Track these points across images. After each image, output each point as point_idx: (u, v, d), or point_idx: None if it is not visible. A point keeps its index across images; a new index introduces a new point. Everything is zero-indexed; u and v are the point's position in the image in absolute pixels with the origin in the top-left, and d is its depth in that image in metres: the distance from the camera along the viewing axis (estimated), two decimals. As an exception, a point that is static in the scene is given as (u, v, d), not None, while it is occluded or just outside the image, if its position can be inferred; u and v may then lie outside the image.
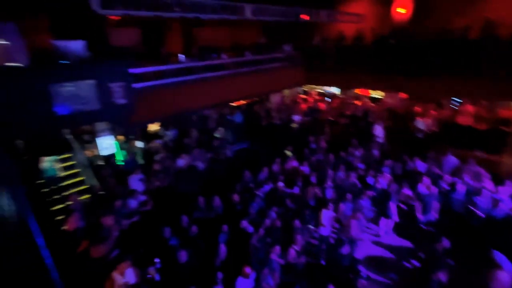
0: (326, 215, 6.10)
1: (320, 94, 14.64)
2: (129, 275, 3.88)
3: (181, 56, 8.40)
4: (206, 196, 6.54)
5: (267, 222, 5.77)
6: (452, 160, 7.80)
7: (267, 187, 7.23)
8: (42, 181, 6.56)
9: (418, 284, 5.19)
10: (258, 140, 10.38)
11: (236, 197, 6.60)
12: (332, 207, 6.23)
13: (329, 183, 7.20)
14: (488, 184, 6.72)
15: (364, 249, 6.26)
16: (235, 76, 9.50)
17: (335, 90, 14.63)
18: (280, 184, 7.16)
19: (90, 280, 4.24)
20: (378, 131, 9.65)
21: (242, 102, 12.98)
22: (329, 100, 13.47)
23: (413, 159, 7.90)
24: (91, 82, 5.34)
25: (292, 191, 7.13)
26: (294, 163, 8.43)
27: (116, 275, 3.78)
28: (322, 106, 12.59)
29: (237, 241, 5.53)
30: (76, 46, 5.15)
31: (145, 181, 6.80)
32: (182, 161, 7.73)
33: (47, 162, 6.66)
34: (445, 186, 6.89)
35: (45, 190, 6.43)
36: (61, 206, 6.09)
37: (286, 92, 14.72)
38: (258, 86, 10.64)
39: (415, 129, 9.55)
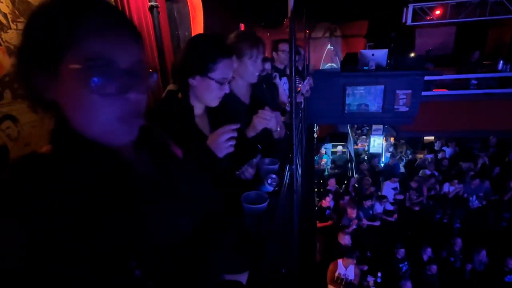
0: None
1: None
2: (350, 271, 4.16)
3: (501, 62, 6.56)
4: (467, 242, 5.18)
5: None
6: None
7: None
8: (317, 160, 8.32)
9: None
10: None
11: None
12: None
13: None
14: None
15: None
16: None
17: None
18: None
19: (322, 254, 5.02)
20: None
21: None
22: None
23: None
24: (380, 87, 5.73)
25: None
26: None
27: (340, 263, 4.21)
28: None
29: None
30: (379, 54, 5.65)
31: (399, 192, 6.54)
32: (450, 188, 6.49)
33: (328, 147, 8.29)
34: None
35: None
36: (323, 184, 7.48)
37: None
38: None
39: None
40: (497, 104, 6.28)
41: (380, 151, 8.16)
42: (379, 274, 4.48)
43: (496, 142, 8.41)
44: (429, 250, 5.10)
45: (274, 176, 1.11)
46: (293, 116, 1.52)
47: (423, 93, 6.07)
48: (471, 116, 6.36)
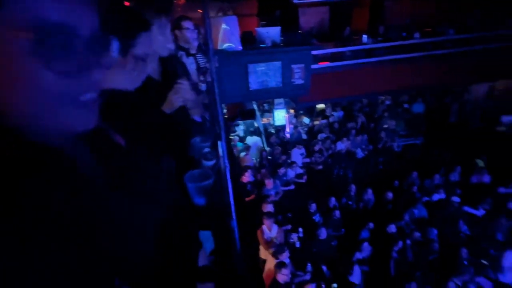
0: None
1: None
2: (274, 231, 4.61)
3: (364, 37, 7.96)
4: (359, 186, 6.38)
5: (420, 236, 4.99)
6: None
7: (437, 196, 6.09)
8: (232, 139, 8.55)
9: None
10: (439, 138, 8.61)
11: (390, 195, 6.02)
12: None
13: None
14: None
15: None
16: (428, 60, 7.88)
17: None
18: (455, 199, 5.83)
19: (250, 226, 5.34)
20: None
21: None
22: None
23: None
24: (278, 63, 6.18)
25: (474, 212, 5.67)
26: (485, 178, 6.53)
27: (264, 228, 4.59)
28: None
29: (379, 242, 5.16)
30: (273, 32, 6.03)
31: (305, 156, 7.41)
32: (341, 145, 7.75)
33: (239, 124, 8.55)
34: None
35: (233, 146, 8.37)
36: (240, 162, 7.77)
37: (502, 82, 10.98)
38: (462, 73, 8.29)
39: None
40: (366, 71, 7.67)
41: (284, 123, 8.94)
42: (300, 230, 5.09)
43: (368, 102, 10.41)
44: (332, 199, 6.07)
45: (209, 150, 1.10)
46: (216, 92, 1.50)
47: (312, 66, 6.88)
48: (349, 83, 7.59)
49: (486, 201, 5.74)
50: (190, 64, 2.48)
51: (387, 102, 10.52)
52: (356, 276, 4.51)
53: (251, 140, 8.32)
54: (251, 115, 8.62)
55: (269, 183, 6.13)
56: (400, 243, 4.86)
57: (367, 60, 7.41)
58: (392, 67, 7.80)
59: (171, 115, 1.24)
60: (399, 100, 10.60)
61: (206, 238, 0.82)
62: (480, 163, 7.06)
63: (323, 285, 4.09)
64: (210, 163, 1.11)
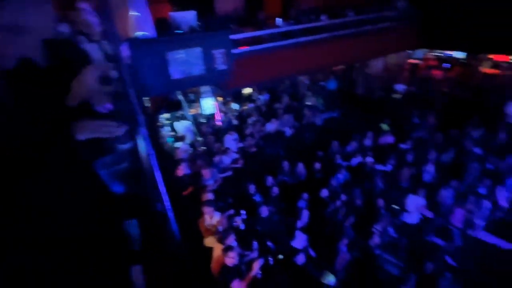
0: (414, 201, 5.47)
1: (436, 59, 12.25)
2: (215, 218, 4.63)
3: (278, 20, 8.30)
4: (291, 162, 6.81)
5: (347, 196, 5.67)
6: None
7: (355, 160, 6.94)
8: (160, 133, 8.07)
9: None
10: (351, 109, 9.76)
11: (318, 166, 6.62)
12: (423, 194, 5.50)
13: (430, 165, 6.34)
14: None
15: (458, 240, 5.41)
16: (335, 40, 8.78)
17: (458, 54, 11.96)
18: (370, 160, 6.75)
19: (191, 218, 5.22)
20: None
21: (339, 67, 12.14)
22: (447, 67, 11.16)
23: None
24: (198, 49, 5.99)
25: (384, 168, 6.65)
26: (389, 139, 7.71)
27: (206, 217, 4.56)
28: (437, 74, 10.61)
29: (315, 209, 5.68)
30: (189, 16, 5.77)
31: (238, 141, 7.51)
32: (271, 126, 8.10)
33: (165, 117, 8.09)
34: None
35: (162, 140, 7.93)
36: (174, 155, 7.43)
37: (392, 56, 12.91)
38: (360, 50, 9.52)
39: None
40: (285, 53, 8.06)
41: (214, 111, 8.84)
42: (242, 212, 5.20)
43: (290, 83, 11.06)
44: (270, 178, 6.35)
45: (123, 133, 1.00)
46: (127, 83, 1.36)
47: (233, 51, 6.89)
48: (271, 66, 7.89)
49: (391, 157, 6.81)
50: (94, 51, 2.20)
51: (306, 82, 11.37)
52: (298, 241, 4.88)
53: (179, 126, 8.01)
54: (177, 106, 8.24)
55: (206, 173, 6.05)
56: (332, 205, 5.43)
57: (284, 42, 7.78)
58: (307, 49, 8.39)
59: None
60: (315, 79, 11.55)
61: (133, 225, 0.75)
62: (385, 126, 8.28)
63: (270, 259, 4.31)
64: (125, 146, 1.02)
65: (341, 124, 9.29)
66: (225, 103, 9.66)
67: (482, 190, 5.63)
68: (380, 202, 5.53)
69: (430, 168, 6.29)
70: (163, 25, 6.32)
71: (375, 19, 9.28)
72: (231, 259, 3.60)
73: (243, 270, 3.94)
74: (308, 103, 9.69)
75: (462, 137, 7.14)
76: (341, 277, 4.24)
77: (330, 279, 3.78)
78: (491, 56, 10.62)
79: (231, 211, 5.09)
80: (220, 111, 9.01)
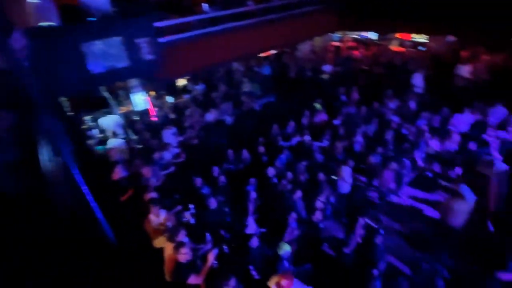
0: (347, 171, 6.02)
1: (354, 40, 13.46)
2: (162, 216, 4.39)
3: (205, 6, 8.03)
4: (235, 149, 6.81)
5: (293, 175, 5.95)
6: (501, 111, 7.07)
7: (295, 140, 7.27)
8: (86, 135, 7.21)
9: (440, 234, 5.14)
10: (287, 92, 10.14)
11: (262, 149, 6.76)
12: (352, 163, 6.09)
13: (358, 136, 7.01)
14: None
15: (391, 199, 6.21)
16: (263, 25, 8.93)
17: (372, 35, 13.33)
18: (307, 138, 7.15)
19: (133, 223, 4.87)
20: (418, 80, 8.88)
21: (271, 52, 12.45)
22: (364, 46, 12.38)
23: (455, 111, 7.28)
24: (118, 39, 5.42)
25: (321, 144, 7.12)
26: (323, 116, 8.26)
27: (152, 217, 4.29)
28: (356, 54, 11.68)
29: (264, 192, 5.82)
30: (102, 2, 5.13)
31: (177, 135, 7.16)
32: (210, 116, 7.93)
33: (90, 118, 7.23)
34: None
35: (90, 143, 7.10)
36: (105, 158, 6.74)
37: (317, 40, 13.74)
38: (287, 34, 9.91)
39: (457, 77, 8.64)
40: (215, 40, 7.87)
41: (147, 107, 8.24)
42: (191, 206, 5.03)
43: (225, 71, 10.94)
44: (216, 168, 6.25)
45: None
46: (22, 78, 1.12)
47: (161, 40, 6.44)
48: (202, 53, 7.64)
49: (326, 133, 7.33)
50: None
51: (241, 69, 11.38)
52: (251, 227, 4.96)
53: (107, 121, 7.26)
54: (101, 104, 7.42)
55: (147, 171, 5.65)
56: (279, 185, 5.63)
57: (213, 29, 7.58)
58: (237, 35, 8.34)
59: None
60: (250, 65, 11.64)
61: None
62: (317, 106, 8.83)
63: (225, 247, 4.29)
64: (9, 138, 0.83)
65: (278, 107, 9.60)
66: (158, 97, 9.07)
67: (402, 153, 6.47)
68: (321, 175, 5.93)
69: (359, 139, 6.95)
70: (72, 13, 5.53)
71: (298, 3, 9.69)
72: (184, 255, 3.46)
73: (199, 264, 3.84)
74: (245, 89, 9.73)
75: (382, 108, 8.05)
76: (292, 249, 4.45)
77: (285, 249, 3.93)
78: (397, 35, 12.13)
79: (179, 207, 4.88)
80: (154, 106, 8.45)
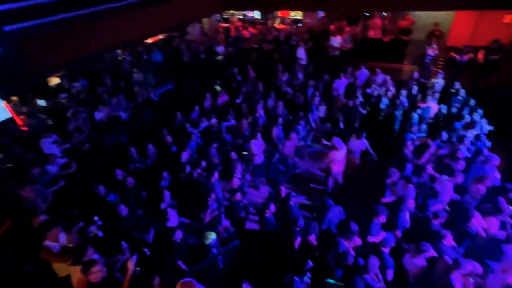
0: (256, 144, 6.37)
1: (241, 20, 13.83)
2: (63, 239, 3.70)
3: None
4: (138, 146, 6.20)
5: (206, 160, 5.88)
6: (364, 73, 8.62)
7: (203, 125, 7.13)
8: None
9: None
10: (184, 78, 9.73)
11: (169, 140, 6.40)
12: (260, 136, 6.45)
13: (260, 111, 7.38)
14: (392, 89, 7.77)
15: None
16: (143, 7, 8.10)
17: (256, 14, 13.95)
18: (214, 120, 7.12)
19: (24, 259, 3.96)
20: (301, 53, 9.87)
21: (158, 37, 11.56)
22: (251, 26, 12.88)
23: (334, 77, 8.45)
24: None
25: (228, 124, 7.21)
26: (225, 97, 8.33)
27: (49, 243, 3.55)
28: (245, 33, 12.06)
29: (180, 182, 5.58)
30: None
31: (61, 143, 6.00)
32: (100, 114, 6.92)
33: None
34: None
35: None
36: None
37: (205, 21, 13.51)
38: (173, 16, 9.38)
39: (331, 47, 10.03)
40: (87, 26, 6.73)
41: (7, 115, 6.53)
42: (96, 219, 4.40)
43: (110, 62, 9.64)
44: (118, 171, 5.56)
45: None
46: None
47: (7, 28, 5.10)
48: (72, 42, 6.45)
49: (231, 114, 7.44)
50: None
51: (128, 58, 10.22)
52: (173, 220, 4.71)
53: None
54: None
55: (28, 192, 4.60)
56: (194, 172, 5.49)
57: (77, 13, 6.43)
58: (114, 18, 7.36)
59: None
60: (137, 54, 10.57)
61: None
62: (218, 88, 8.81)
63: (146, 250, 3.96)
64: None
65: (178, 94, 9.16)
66: (24, 101, 7.30)
67: (299, 120, 7.17)
68: (233, 154, 6.04)
69: (261, 113, 7.34)
70: None
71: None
72: (97, 273, 3.01)
73: (118, 277, 3.44)
74: (138, 80, 8.83)
75: (276, 82, 8.67)
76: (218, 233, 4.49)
77: (211, 237, 3.91)
78: (279, 14, 13.07)
79: (81, 224, 4.18)
80: (19, 113, 6.79)
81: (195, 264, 3.85)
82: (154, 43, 11.09)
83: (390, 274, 3.66)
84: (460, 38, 10.30)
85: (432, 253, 3.58)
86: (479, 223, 4.07)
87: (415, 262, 3.62)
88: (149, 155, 6.25)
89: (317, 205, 5.45)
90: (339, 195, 5.53)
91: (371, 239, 4.08)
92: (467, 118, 6.29)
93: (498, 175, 4.83)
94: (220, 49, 10.71)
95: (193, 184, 5.46)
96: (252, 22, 13.28)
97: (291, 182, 6.37)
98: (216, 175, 5.38)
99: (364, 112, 7.40)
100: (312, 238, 4.09)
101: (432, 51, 9.03)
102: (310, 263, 3.60)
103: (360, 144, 6.09)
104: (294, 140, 6.47)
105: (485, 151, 5.26)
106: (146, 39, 10.40)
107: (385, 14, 10.58)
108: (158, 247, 4.18)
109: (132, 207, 4.85)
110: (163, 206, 4.89)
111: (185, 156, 5.87)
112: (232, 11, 13.92)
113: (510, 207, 4.14)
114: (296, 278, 3.34)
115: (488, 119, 6.37)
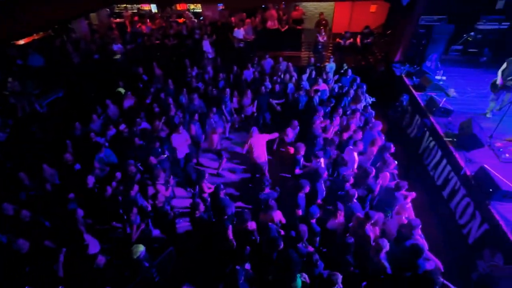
0: (178, 139, 6.12)
1: (136, 14, 12.73)
2: None
3: None
4: (28, 170, 5.14)
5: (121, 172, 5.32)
6: (269, 61, 9.12)
7: (110, 132, 6.36)
8: None
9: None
10: (76, 83, 8.44)
11: (69, 157, 5.49)
12: (183, 131, 6.23)
13: (172, 108, 7.01)
14: (294, 75, 8.48)
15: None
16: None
17: (153, 8, 13.07)
18: (123, 126, 6.44)
19: None
20: (207, 47, 9.76)
21: (34, 37, 9.62)
22: (149, 20, 12.00)
23: (242, 68, 8.67)
24: None
25: (140, 127, 6.62)
26: (131, 100, 7.60)
27: None
28: (144, 28, 11.16)
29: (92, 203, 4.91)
30: None
31: None
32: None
33: None
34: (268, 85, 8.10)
35: None
36: None
37: (93, 16, 11.94)
38: (47, 12, 7.91)
39: (235, 39, 10.25)
40: None
41: None
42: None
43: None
44: (6, 205, 4.52)
45: None
46: None
47: None
48: None
49: (141, 116, 6.85)
50: None
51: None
52: (92, 246, 4.13)
53: None
54: None
55: None
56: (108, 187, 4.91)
57: None
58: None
59: None
60: (9, 58, 8.59)
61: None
62: (121, 90, 7.94)
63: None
64: None
65: (72, 102, 7.91)
66: None
67: (215, 114, 7.14)
68: (152, 159, 5.59)
69: (173, 111, 6.98)
70: None
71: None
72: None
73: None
74: (13, 89, 7.20)
75: (186, 78, 8.39)
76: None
77: (139, 250, 3.59)
78: (178, 7, 12.54)
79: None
80: None
81: (125, 286, 3.50)
82: (27, 45, 9.18)
83: (317, 241, 4.13)
84: (341, 25, 11.95)
85: (346, 211, 4.18)
86: (376, 178, 4.92)
87: (336, 222, 4.16)
88: (47, 178, 5.26)
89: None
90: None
91: (299, 212, 4.45)
92: (352, 93, 7.37)
93: (382, 137, 5.88)
94: (117, 47, 9.65)
95: (110, 202, 4.88)
96: (150, 16, 12.38)
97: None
98: (136, 187, 4.92)
99: (274, 100, 7.85)
100: (251, 225, 4.20)
101: (322, 38, 10.24)
102: (248, 249, 3.70)
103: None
104: (216, 135, 6.46)
105: (372, 119, 6.33)
106: (17, 39, 8.55)
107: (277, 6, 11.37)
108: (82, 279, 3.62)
109: (32, 243, 4.03)
110: (82, 229, 4.23)
111: (91, 180, 5.13)
112: (124, 5, 12.66)
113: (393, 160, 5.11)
114: (237, 266, 3.39)
115: (369, 92, 7.66)
